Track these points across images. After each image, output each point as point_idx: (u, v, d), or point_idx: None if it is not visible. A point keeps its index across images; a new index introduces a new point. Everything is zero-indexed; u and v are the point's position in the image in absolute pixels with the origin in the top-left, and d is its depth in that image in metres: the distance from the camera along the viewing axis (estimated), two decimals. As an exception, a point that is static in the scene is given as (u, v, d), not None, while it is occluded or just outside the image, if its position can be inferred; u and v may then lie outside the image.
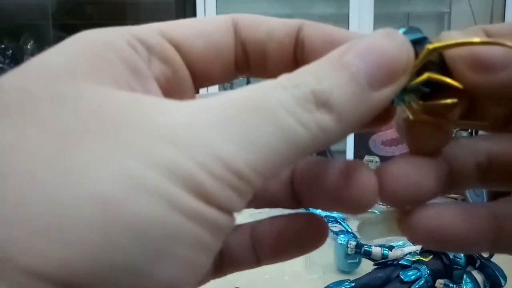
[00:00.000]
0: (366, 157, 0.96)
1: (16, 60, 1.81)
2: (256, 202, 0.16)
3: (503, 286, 0.51)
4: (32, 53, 1.77)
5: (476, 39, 0.12)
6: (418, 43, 0.13)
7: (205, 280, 0.16)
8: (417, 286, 0.49)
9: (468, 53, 0.12)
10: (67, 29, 1.85)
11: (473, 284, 0.50)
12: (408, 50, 0.12)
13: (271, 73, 0.15)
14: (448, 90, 0.13)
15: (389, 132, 0.71)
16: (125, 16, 1.93)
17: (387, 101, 0.12)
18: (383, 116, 0.14)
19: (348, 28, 1.64)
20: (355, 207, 0.14)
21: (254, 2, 1.92)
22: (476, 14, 1.81)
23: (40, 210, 0.08)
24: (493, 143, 0.15)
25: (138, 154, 0.09)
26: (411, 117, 0.13)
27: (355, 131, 0.14)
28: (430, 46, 0.13)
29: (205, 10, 1.62)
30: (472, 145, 0.15)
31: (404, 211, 0.14)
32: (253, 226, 0.17)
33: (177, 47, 0.14)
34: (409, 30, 0.13)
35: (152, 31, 0.14)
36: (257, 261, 0.17)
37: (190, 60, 0.15)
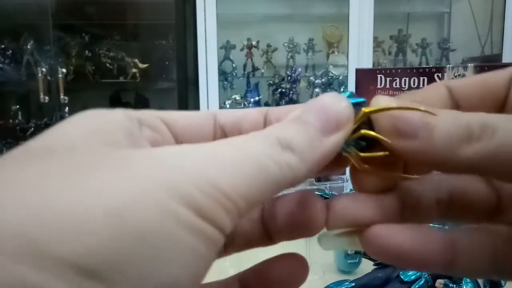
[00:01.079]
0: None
1: (16, 60, 1.81)
2: (235, 246, 0.18)
3: (503, 286, 0.51)
4: (32, 53, 1.77)
5: (394, 105, 0.15)
6: (359, 105, 0.16)
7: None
8: (417, 286, 0.49)
9: (388, 121, 0.15)
10: (67, 29, 1.85)
11: (473, 284, 0.50)
12: (349, 107, 0.16)
13: None
14: (382, 145, 0.16)
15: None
16: (125, 16, 1.93)
17: (337, 146, 0.15)
18: (337, 163, 0.16)
19: (348, 28, 1.65)
20: (307, 230, 0.17)
21: (254, 2, 1.92)
22: (476, 14, 1.81)
23: (67, 215, 0.11)
24: (454, 181, 0.18)
25: (146, 177, 0.12)
26: (355, 165, 0.17)
27: (317, 174, 0.17)
28: (365, 110, 0.16)
29: (205, 10, 1.63)
30: (435, 182, 0.18)
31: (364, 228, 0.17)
32: (240, 276, 0.19)
33: (163, 121, 0.18)
34: (352, 95, 0.16)
35: (144, 112, 0.18)
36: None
37: (174, 133, 0.18)
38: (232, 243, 0.18)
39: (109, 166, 0.12)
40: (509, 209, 0.18)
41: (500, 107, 0.17)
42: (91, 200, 0.11)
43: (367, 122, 0.16)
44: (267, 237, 0.18)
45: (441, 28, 1.99)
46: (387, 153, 0.16)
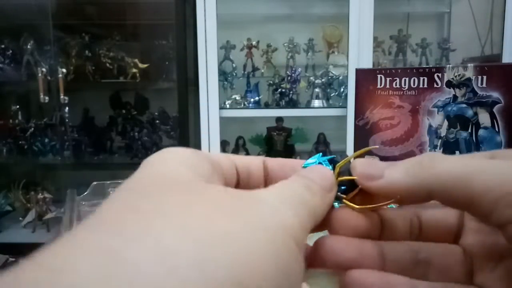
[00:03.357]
0: (366, 157, 0.96)
1: (16, 60, 1.81)
2: None
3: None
4: (32, 53, 1.77)
5: (352, 158, 0.22)
6: (331, 161, 0.22)
7: None
8: None
9: (359, 170, 0.21)
10: (67, 29, 1.85)
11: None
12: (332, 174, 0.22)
13: (252, 182, 0.24)
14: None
15: (389, 132, 0.71)
16: (125, 16, 1.93)
17: (332, 200, 0.21)
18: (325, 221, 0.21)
19: (348, 28, 1.65)
20: None
21: (254, 2, 1.92)
22: (476, 14, 1.81)
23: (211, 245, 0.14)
24: (422, 210, 0.22)
25: (255, 217, 0.16)
26: (350, 205, 0.21)
27: (317, 229, 0.21)
28: (338, 165, 0.22)
29: (205, 10, 1.63)
30: (407, 212, 0.22)
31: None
32: None
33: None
34: (324, 154, 0.22)
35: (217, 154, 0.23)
36: None
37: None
38: None
39: (232, 205, 0.16)
40: (468, 234, 0.22)
41: None
42: (222, 234, 0.15)
43: (344, 171, 0.22)
44: None
45: (441, 28, 1.99)
46: (358, 188, 0.21)
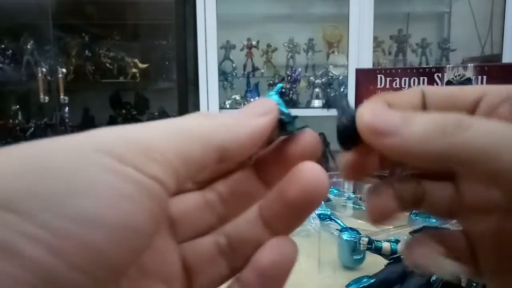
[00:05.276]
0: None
1: (16, 60, 1.81)
2: (241, 257, 0.18)
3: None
4: (32, 53, 1.77)
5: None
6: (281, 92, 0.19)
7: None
8: (434, 278, 0.49)
9: (367, 120, 0.17)
10: (67, 29, 1.85)
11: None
12: (271, 103, 0.18)
13: None
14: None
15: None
16: (125, 16, 1.93)
17: (264, 127, 0.17)
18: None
19: (348, 28, 1.65)
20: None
21: (254, 2, 1.92)
22: (476, 14, 1.81)
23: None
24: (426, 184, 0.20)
25: (77, 138, 0.14)
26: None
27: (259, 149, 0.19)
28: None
29: (205, 10, 1.63)
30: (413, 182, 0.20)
31: None
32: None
33: None
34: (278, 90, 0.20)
35: None
36: None
37: None
38: (237, 255, 0.18)
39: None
40: (466, 214, 0.20)
41: None
42: (7, 154, 0.13)
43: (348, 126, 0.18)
44: (271, 235, 0.18)
45: (441, 28, 1.99)
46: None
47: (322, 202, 0.19)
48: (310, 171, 0.17)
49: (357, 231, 0.65)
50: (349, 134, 0.18)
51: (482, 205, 0.18)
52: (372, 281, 0.53)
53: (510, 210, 0.17)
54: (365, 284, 0.53)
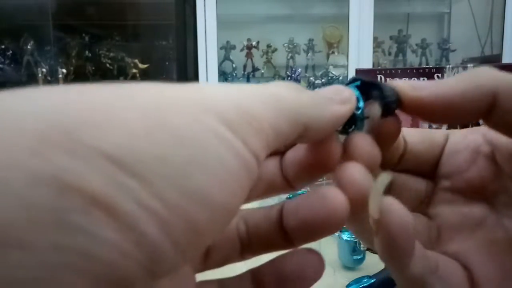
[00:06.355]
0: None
1: (16, 60, 1.81)
2: (253, 249, 0.18)
3: None
4: (32, 54, 1.77)
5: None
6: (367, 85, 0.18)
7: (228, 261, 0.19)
8: None
9: (408, 85, 0.18)
10: (67, 29, 1.85)
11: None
12: (352, 92, 0.17)
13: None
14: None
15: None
16: (125, 17, 1.93)
17: (344, 115, 0.17)
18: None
19: (348, 28, 1.65)
20: (328, 226, 0.16)
21: (254, 2, 1.92)
22: (476, 14, 1.81)
23: (104, 112, 0.11)
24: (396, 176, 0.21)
25: (185, 94, 0.12)
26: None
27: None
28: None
29: (205, 11, 1.63)
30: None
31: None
32: (254, 271, 0.18)
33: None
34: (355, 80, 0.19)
35: None
36: None
37: None
38: (250, 245, 0.18)
39: (152, 87, 0.12)
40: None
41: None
42: (129, 102, 0.11)
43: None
44: (287, 240, 0.18)
45: (441, 28, 1.99)
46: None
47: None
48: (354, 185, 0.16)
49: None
50: (392, 105, 0.18)
51: None
52: (372, 281, 0.53)
53: None
54: (365, 284, 0.54)
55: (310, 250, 0.18)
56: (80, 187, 0.09)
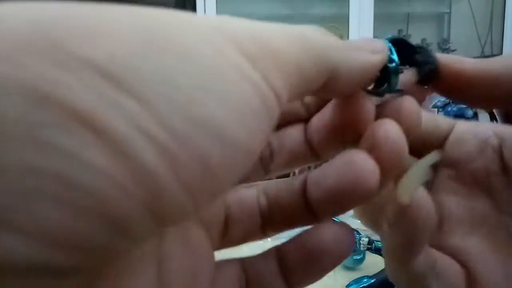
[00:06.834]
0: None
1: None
2: (276, 224, 0.17)
3: None
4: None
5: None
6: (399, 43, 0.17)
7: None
8: None
9: (449, 56, 0.17)
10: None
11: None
12: (384, 43, 0.16)
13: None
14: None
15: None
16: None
17: (376, 65, 0.15)
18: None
19: (348, 28, 1.65)
20: (355, 193, 0.14)
21: (254, 2, 1.92)
22: (476, 14, 1.81)
23: (95, 24, 0.09)
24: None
25: (201, 19, 0.11)
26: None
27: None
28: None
29: (205, 11, 1.63)
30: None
31: None
32: (278, 248, 0.17)
33: None
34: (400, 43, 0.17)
35: None
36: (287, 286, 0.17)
37: None
38: (271, 220, 0.17)
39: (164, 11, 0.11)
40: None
41: None
42: (132, 17, 0.10)
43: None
44: (311, 213, 0.16)
45: (441, 28, 1.99)
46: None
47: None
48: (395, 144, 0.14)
49: (357, 231, 0.65)
50: (431, 73, 0.17)
51: None
52: (372, 281, 0.53)
53: None
54: (365, 284, 0.54)
55: (338, 223, 0.16)
56: (58, 99, 0.08)
